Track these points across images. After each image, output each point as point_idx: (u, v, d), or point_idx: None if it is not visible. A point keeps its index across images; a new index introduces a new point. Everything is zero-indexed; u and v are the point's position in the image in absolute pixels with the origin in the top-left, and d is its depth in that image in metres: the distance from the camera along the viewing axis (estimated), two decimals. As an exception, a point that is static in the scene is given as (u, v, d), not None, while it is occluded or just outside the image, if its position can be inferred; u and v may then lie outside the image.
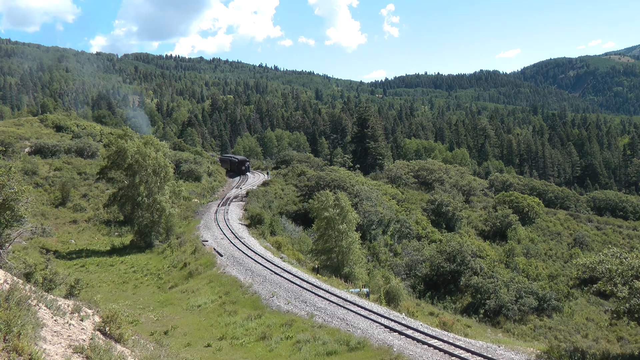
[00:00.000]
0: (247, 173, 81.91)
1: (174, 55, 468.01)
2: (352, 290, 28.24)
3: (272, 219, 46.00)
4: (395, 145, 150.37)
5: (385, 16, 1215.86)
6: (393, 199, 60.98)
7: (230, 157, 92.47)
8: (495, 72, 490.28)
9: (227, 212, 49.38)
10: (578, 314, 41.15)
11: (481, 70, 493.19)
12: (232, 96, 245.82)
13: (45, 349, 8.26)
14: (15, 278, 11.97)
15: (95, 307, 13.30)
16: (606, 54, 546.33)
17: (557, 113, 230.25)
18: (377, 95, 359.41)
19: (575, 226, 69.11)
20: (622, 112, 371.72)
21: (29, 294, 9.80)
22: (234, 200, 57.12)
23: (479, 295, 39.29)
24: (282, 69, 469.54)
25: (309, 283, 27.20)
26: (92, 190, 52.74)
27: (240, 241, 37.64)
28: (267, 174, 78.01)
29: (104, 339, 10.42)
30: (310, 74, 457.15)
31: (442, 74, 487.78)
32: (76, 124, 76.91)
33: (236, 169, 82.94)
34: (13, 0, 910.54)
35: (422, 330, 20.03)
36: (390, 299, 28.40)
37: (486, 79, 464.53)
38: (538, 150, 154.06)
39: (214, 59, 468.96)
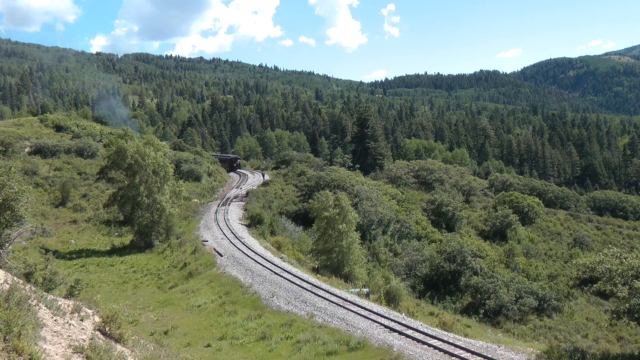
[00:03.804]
0: (238, 169, 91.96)
1: (174, 55, 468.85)
2: (352, 290, 28.23)
3: (272, 219, 45.99)
4: (395, 145, 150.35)
5: (385, 16, 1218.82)
6: (393, 199, 60.95)
7: (223, 155, 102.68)
8: (495, 72, 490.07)
9: (227, 212, 49.37)
10: (578, 314, 41.15)
11: (481, 70, 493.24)
12: (232, 96, 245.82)
13: (45, 349, 8.26)
14: (15, 278, 11.97)
15: (95, 307, 13.29)
16: (606, 54, 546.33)
17: (557, 113, 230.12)
18: (377, 95, 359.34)
19: (575, 226, 69.11)
20: (622, 112, 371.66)
21: (29, 294, 9.79)
22: (234, 200, 57.12)
23: (479, 295, 39.29)
24: (282, 69, 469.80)
25: (309, 283, 27.21)
26: (92, 190, 52.73)
27: (240, 241, 37.64)
28: (264, 175, 77.87)
29: (104, 339, 10.42)
30: (310, 74, 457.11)
31: (442, 74, 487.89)
32: (76, 124, 76.88)
33: (228, 166, 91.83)
34: (13, 0, 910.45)
35: (422, 330, 20.03)
36: (390, 299, 28.39)
37: (486, 79, 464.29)
38: (538, 150, 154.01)
39: (214, 59, 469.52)
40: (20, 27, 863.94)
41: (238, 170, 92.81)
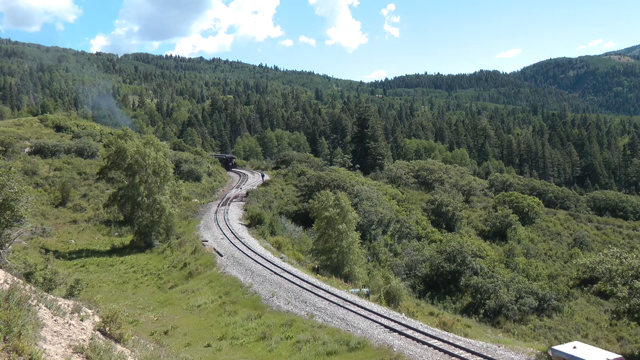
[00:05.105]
0: (233, 169, 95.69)
1: (174, 55, 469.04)
2: (352, 290, 28.25)
3: (272, 219, 46.00)
4: (395, 145, 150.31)
5: (385, 16, 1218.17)
6: (393, 199, 60.96)
7: (219, 155, 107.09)
8: (495, 72, 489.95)
9: (227, 212, 49.38)
10: (578, 314, 41.15)
11: (481, 70, 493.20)
12: (232, 96, 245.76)
13: (45, 349, 8.26)
14: (15, 278, 11.97)
15: (95, 307, 13.30)
16: (606, 54, 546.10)
17: (557, 113, 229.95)
18: (377, 95, 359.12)
19: (575, 226, 69.07)
20: (622, 112, 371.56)
21: (29, 294, 9.79)
22: (234, 200, 57.13)
23: (479, 295, 39.30)
24: (282, 69, 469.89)
25: (309, 283, 27.21)
26: (92, 190, 52.73)
27: (240, 241, 37.65)
28: (263, 176, 77.66)
29: (104, 339, 10.42)
30: (310, 74, 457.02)
31: (442, 74, 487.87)
32: (76, 124, 76.87)
33: (224, 165, 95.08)
34: (14, 0, 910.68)
35: (422, 330, 20.03)
36: (390, 299, 28.40)
37: (486, 79, 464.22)
38: (538, 150, 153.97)
39: (214, 59, 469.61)
40: (20, 27, 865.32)
41: (234, 169, 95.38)
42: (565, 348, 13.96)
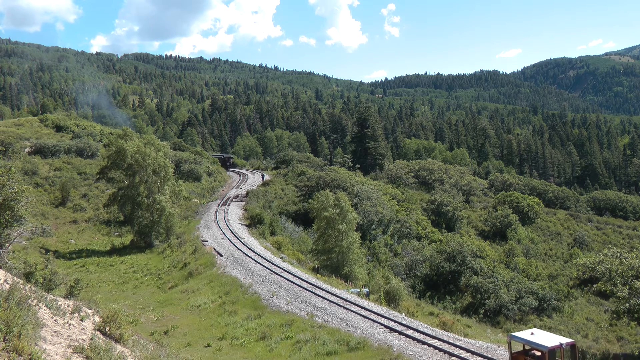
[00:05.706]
0: (231, 168, 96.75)
1: (174, 55, 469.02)
2: (352, 290, 28.25)
3: (272, 219, 46.01)
4: (395, 145, 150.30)
5: (385, 16, 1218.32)
6: (393, 199, 60.96)
7: (217, 155, 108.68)
8: (495, 72, 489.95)
9: (227, 212, 49.38)
10: (578, 314, 41.17)
11: (481, 70, 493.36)
12: (232, 96, 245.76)
13: (45, 349, 8.26)
14: (15, 278, 11.96)
15: (95, 307, 13.29)
16: (606, 54, 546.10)
17: (557, 113, 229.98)
18: (377, 95, 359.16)
19: (575, 226, 69.10)
20: (622, 112, 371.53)
21: (29, 294, 9.79)
22: (234, 200, 57.13)
23: (479, 295, 39.30)
24: (282, 69, 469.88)
25: (309, 283, 27.21)
26: (92, 190, 52.73)
27: (240, 241, 37.64)
28: (263, 176, 77.66)
29: (104, 339, 10.42)
30: (310, 74, 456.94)
31: (442, 74, 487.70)
32: (76, 124, 76.85)
33: (222, 164, 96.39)
34: (14, 0, 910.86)
35: (422, 330, 20.03)
36: (390, 299, 28.40)
37: (486, 79, 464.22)
38: (538, 150, 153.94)
39: (214, 59, 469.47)
40: (21, 27, 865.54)
41: (233, 169, 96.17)
42: (523, 334, 14.75)
